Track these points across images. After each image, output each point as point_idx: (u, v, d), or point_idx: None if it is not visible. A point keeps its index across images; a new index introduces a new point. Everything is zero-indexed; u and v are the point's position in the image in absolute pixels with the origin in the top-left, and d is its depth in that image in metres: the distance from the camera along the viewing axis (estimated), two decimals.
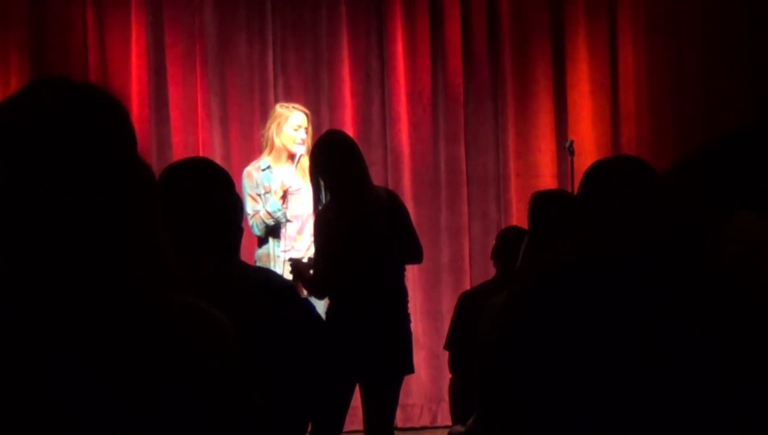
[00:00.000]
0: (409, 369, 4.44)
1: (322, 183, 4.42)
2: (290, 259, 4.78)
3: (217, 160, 6.48)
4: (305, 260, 4.73)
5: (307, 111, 5.69)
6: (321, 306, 4.63)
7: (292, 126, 5.57)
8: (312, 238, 5.55)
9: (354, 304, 4.30)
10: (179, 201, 2.53)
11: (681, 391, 2.26)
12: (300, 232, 5.51)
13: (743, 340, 2.09)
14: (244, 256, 3.02)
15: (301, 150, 5.54)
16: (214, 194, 2.70)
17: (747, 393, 1.98)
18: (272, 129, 5.59)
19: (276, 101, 6.26)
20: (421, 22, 6.77)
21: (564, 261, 2.48)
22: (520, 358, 2.47)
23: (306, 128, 5.60)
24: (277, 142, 5.58)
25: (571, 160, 6.12)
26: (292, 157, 5.56)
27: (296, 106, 5.72)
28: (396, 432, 6.53)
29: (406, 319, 4.44)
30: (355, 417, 5.41)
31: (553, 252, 2.62)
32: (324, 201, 4.42)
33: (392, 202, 4.51)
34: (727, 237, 1.84)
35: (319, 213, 4.45)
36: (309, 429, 3.89)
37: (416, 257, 4.56)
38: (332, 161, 4.40)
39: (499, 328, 2.71)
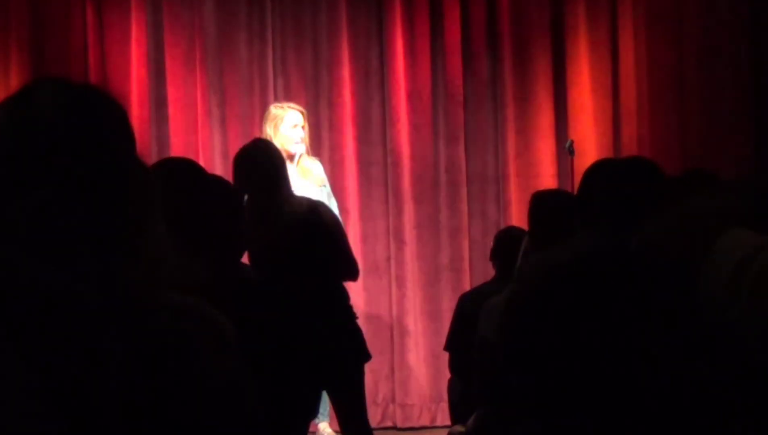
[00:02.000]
0: (365, 356, 4.44)
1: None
2: None
3: (217, 159, 6.50)
4: None
5: (302, 109, 5.69)
6: None
7: (288, 125, 5.58)
8: None
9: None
10: (179, 200, 2.53)
11: (679, 391, 2.26)
12: None
13: (737, 341, 2.11)
14: (243, 257, 3.03)
15: (301, 149, 5.55)
16: (214, 194, 2.70)
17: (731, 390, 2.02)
18: (269, 131, 5.59)
19: (276, 101, 6.26)
20: (421, 21, 6.77)
21: (564, 260, 2.48)
22: (521, 355, 2.47)
23: (303, 126, 5.61)
24: (276, 143, 5.58)
25: (571, 160, 6.12)
26: (291, 157, 5.56)
27: (290, 105, 5.72)
28: (396, 432, 6.55)
29: (343, 318, 4.40)
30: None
31: (553, 252, 2.63)
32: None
33: (312, 215, 4.37)
34: (721, 250, 1.85)
35: None
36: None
37: (349, 275, 4.48)
38: (241, 176, 4.31)
39: (501, 327, 2.71)
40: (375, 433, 4.74)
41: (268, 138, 5.60)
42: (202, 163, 6.39)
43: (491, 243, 5.02)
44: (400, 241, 6.67)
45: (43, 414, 1.12)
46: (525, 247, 4.02)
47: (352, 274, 4.49)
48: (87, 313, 1.16)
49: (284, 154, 5.57)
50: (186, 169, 2.72)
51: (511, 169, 6.75)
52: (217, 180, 3.01)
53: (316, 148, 6.23)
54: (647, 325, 2.31)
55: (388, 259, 6.65)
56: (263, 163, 4.34)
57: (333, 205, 5.60)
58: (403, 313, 6.59)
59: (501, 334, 2.67)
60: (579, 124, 6.75)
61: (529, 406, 2.47)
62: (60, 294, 1.15)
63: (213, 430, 1.20)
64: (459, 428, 4.85)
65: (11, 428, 1.11)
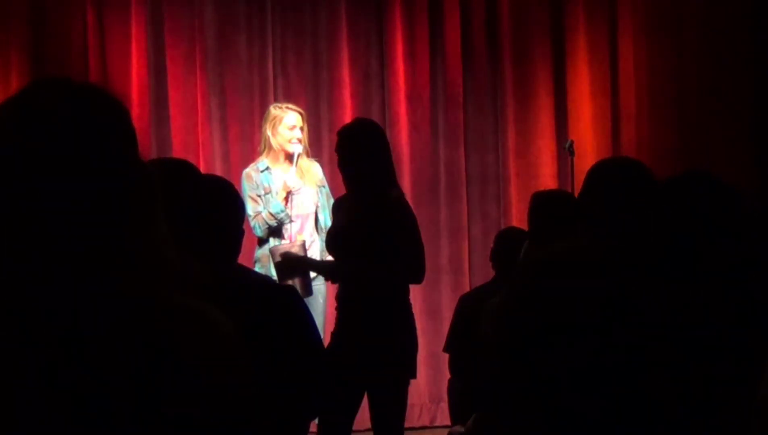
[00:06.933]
0: (411, 374, 4.30)
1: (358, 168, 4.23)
2: (282, 254, 4.52)
3: (217, 160, 6.50)
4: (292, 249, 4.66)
5: (301, 110, 5.70)
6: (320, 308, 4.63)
7: (286, 126, 5.59)
8: (313, 237, 5.54)
9: (354, 308, 4.24)
10: (172, 201, 2.52)
11: (680, 392, 2.26)
12: (300, 231, 5.53)
13: (729, 343, 2.13)
14: (243, 257, 3.03)
15: (298, 149, 5.56)
16: (208, 194, 2.70)
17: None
18: (268, 131, 5.61)
19: (276, 102, 6.26)
20: (421, 22, 6.77)
21: (561, 259, 2.48)
22: (517, 355, 2.47)
23: (301, 127, 5.62)
24: (274, 143, 5.60)
25: (571, 161, 6.12)
26: (289, 157, 5.57)
27: (290, 106, 5.73)
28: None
29: (405, 325, 4.30)
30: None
31: (550, 250, 2.63)
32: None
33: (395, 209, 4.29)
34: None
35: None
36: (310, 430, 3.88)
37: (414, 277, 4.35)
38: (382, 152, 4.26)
39: (497, 327, 2.71)
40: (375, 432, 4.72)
41: (267, 138, 5.62)
42: (202, 163, 6.39)
43: (491, 243, 5.02)
44: None
45: (45, 414, 1.12)
46: (526, 250, 4.02)
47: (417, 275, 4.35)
48: (88, 314, 1.16)
49: (282, 155, 5.60)
50: (179, 169, 2.72)
51: (511, 169, 6.75)
52: (214, 179, 3.01)
53: (316, 148, 6.23)
54: (648, 325, 2.31)
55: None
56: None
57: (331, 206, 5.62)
58: None
59: (497, 334, 2.67)
60: (579, 124, 6.75)
61: (525, 407, 2.47)
62: (60, 294, 1.15)
63: (216, 430, 1.20)
64: (459, 428, 4.85)
65: (14, 428, 1.11)
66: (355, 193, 4.29)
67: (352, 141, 4.28)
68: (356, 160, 4.24)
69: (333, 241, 4.34)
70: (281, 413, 2.60)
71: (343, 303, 4.29)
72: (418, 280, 4.38)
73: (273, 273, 4.90)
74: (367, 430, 4.67)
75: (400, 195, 4.36)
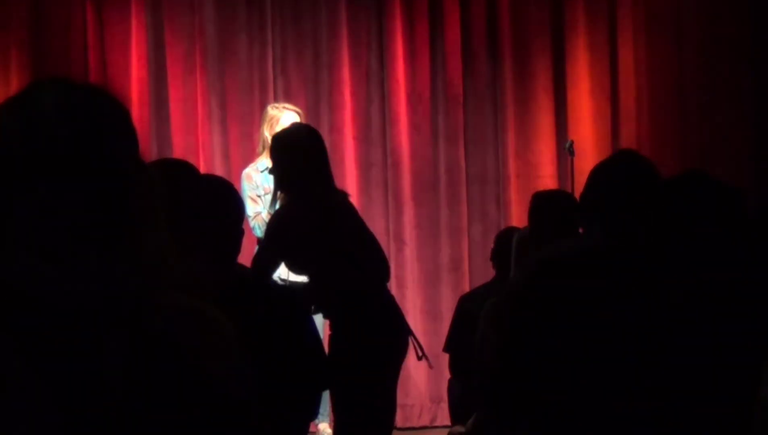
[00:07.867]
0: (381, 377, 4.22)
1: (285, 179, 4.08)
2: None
3: (217, 160, 6.50)
4: None
5: (298, 109, 5.70)
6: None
7: (284, 126, 5.59)
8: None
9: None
10: (171, 201, 2.52)
11: (678, 392, 2.26)
12: None
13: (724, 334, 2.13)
14: (242, 257, 3.03)
15: None
16: (206, 194, 2.70)
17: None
18: (265, 131, 5.61)
19: (276, 101, 6.26)
20: (421, 22, 6.77)
21: (562, 260, 2.48)
22: (518, 357, 2.47)
23: None
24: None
25: (571, 161, 6.12)
26: None
27: (287, 105, 5.73)
28: (396, 432, 6.54)
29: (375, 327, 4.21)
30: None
31: (551, 250, 2.63)
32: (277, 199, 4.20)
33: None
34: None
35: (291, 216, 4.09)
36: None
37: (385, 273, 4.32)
38: (310, 157, 4.08)
39: (498, 328, 2.71)
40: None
41: (265, 138, 5.61)
42: (202, 163, 6.39)
43: (491, 244, 5.03)
44: (400, 242, 6.67)
45: (42, 414, 1.12)
46: (516, 244, 4.03)
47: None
48: (88, 313, 1.16)
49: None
50: (179, 169, 2.72)
51: (511, 169, 6.74)
52: (214, 179, 3.01)
53: None
54: (648, 325, 2.31)
55: (388, 259, 6.65)
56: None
57: None
58: (403, 313, 6.58)
59: (496, 334, 2.68)
60: (578, 124, 6.75)
61: (525, 407, 2.47)
62: (61, 293, 1.15)
63: (216, 430, 1.20)
64: (459, 428, 4.86)
65: (10, 428, 1.11)
66: (296, 200, 4.08)
67: (288, 144, 4.11)
68: (292, 164, 4.05)
69: (296, 261, 4.16)
70: (281, 414, 2.60)
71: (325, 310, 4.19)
72: (386, 277, 4.38)
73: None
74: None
75: (345, 196, 4.30)
